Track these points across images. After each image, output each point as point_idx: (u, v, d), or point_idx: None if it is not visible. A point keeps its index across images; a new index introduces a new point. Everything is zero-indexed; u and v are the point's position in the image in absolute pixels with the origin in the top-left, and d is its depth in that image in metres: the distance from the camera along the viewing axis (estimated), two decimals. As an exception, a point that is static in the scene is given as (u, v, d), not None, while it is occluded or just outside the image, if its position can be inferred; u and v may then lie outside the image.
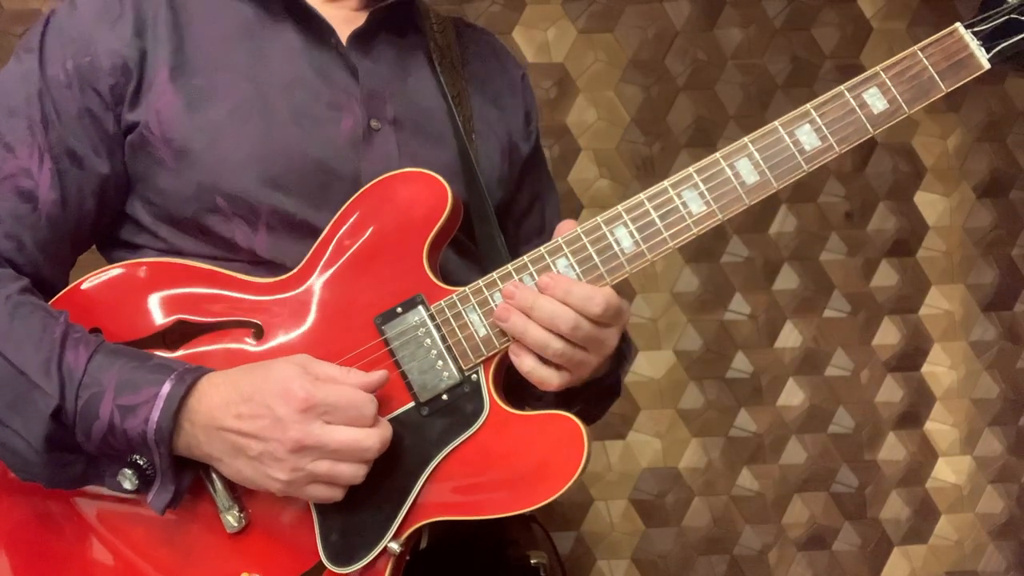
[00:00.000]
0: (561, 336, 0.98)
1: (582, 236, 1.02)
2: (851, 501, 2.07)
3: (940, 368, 2.09)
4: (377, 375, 0.98)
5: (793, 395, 2.06)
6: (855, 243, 2.07)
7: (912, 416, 2.08)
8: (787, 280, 2.06)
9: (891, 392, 2.08)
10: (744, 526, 2.05)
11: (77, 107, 1.07)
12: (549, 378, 1.00)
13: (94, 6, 1.10)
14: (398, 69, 1.18)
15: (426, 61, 1.21)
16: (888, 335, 2.08)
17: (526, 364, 1.00)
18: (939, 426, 2.08)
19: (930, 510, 2.08)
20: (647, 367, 2.02)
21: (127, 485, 0.97)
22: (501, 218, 1.26)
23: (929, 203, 2.09)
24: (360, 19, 1.16)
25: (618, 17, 2.05)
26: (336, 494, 0.97)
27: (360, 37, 1.15)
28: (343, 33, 1.15)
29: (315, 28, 1.14)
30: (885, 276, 2.08)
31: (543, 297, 0.99)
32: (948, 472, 2.08)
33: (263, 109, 1.09)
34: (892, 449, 2.07)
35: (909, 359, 2.08)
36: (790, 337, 2.06)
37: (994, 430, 2.09)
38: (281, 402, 0.94)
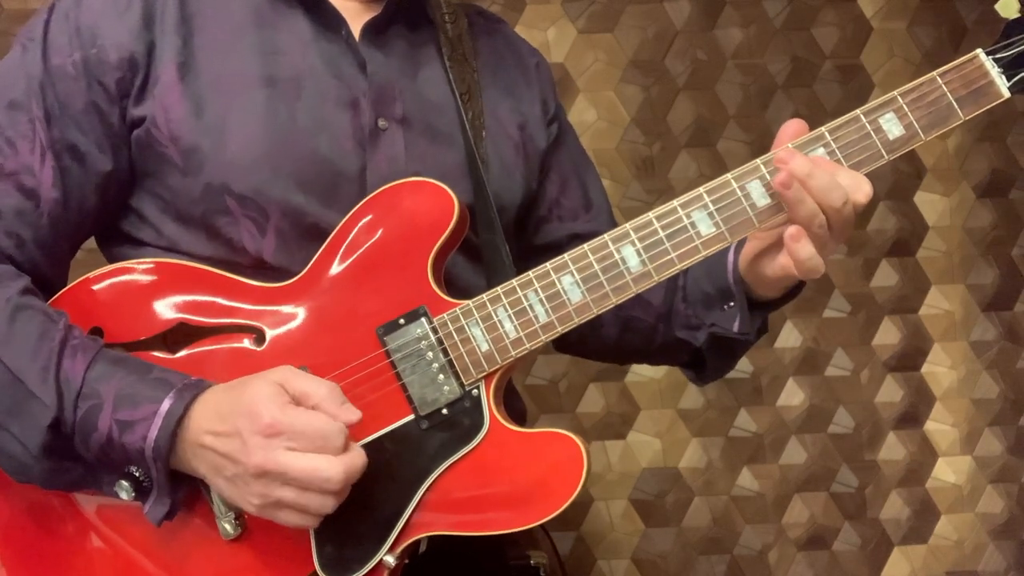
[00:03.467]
0: (826, 213, 0.96)
1: (588, 254, 1.01)
2: (851, 501, 2.06)
3: (940, 368, 2.09)
4: (353, 413, 0.94)
5: (793, 395, 2.06)
6: (855, 243, 2.07)
7: (912, 416, 2.08)
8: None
9: (891, 392, 2.08)
10: (744, 526, 2.05)
11: (83, 101, 1.05)
12: (820, 264, 0.98)
13: None
14: (409, 63, 1.16)
15: (437, 54, 1.19)
16: (888, 335, 2.08)
17: (805, 251, 0.97)
18: (939, 426, 2.08)
19: (930, 510, 2.08)
20: (647, 367, 2.02)
21: (124, 495, 0.96)
22: (532, 208, 1.25)
23: (929, 203, 2.09)
24: (370, 11, 1.14)
25: (618, 17, 2.04)
26: (309, 522, 0.95)
27: (374, 28, 1.13)
28: (354, 25, 1.13)
29: (326, 18, 1.12)
30: (885, 276, 2.08)
31: (819, 168, 0.96)
32: (948, 472, 2.08)
33: (271, 106, 1.07)
34: (892, 449, 2.07)
35: (909, 359, 2.08)
36: (790, 337, 2.06)
37: (994, 430, 2.09)
38: (248, 424, 0.92)
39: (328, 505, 0.93)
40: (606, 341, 1.32)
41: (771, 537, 2.05)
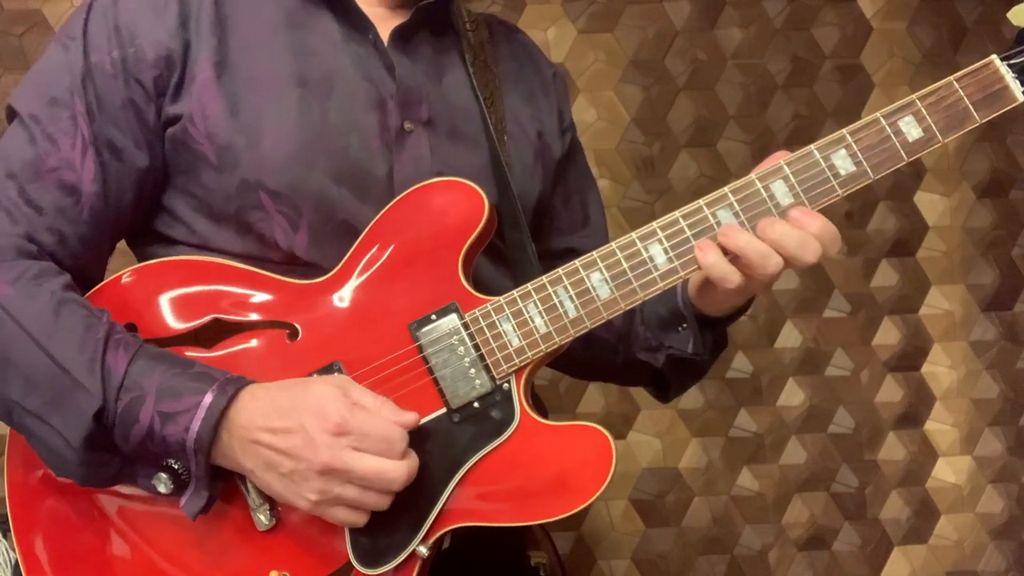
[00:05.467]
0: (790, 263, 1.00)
1: (616, 251, 1.02)
2: (851, 501, 2.07)
3: (940, 368, 2.09)
4: (410, 416, 0.99)
5: (793, 395, 2.06)
6: (855, 243, 2.07)
7: (912, 416, 2.08)
8: (787, 280, 2.06)
9: (891, 392, 2.08)
10: (744, 526, 2.05)
11: (121, 98, 1.07)
12: (732, 275, 1.00)
13: None
14: (434, 68, 1.19)
15: (460, 61, 1.21)
16: (888, 335, 2.08)
17: (709, 258, 1.00)
18: (939, 426, 2.08)
19: (930, 510, 2.08)
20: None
21: (161, 488, 0.98)
22: (538, 214, 1.28)
23: (929, 203, 2.09)
24: (397, 17, 1.17)
25: (618, 17, 2.04)
26: (359, 519, 0.98)
27: (402, 33, 1.15)
28: (381, 30, 1.15)
29: (354, 22, 1.14)
30: (885, 276, 2.08)
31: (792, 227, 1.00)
32: (948, 472, 2.08)
33: (304, 105, 1.09)
34: (892, 449, 2.08)
35: (909, 359, 2.08)
36: (790, 337, 2.06)
37: (994, 430, 2.09)
38: (315, 423, 0.95)
39: (384, 504, 0.97)
40: (576, 359, 1.33)
41: (771, 537, 2.05)
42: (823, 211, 1.02)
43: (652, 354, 1.23)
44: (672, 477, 2.05)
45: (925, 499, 2.08)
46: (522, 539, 1.24)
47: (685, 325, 1.16)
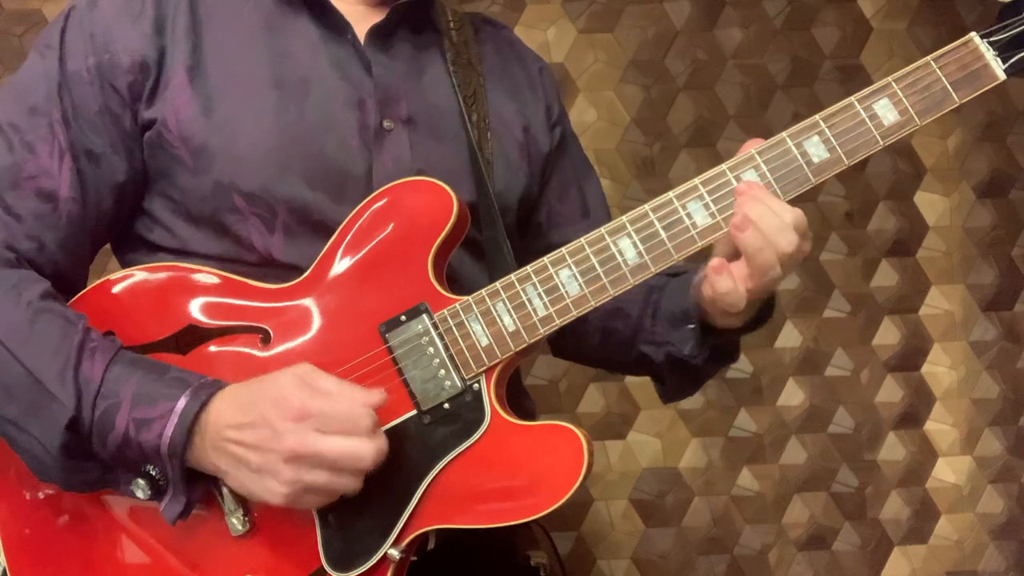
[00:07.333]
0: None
1: (586, 247, 1.02)
2: (851, 501, 2.06)
3: (940, 368, 2.09)
4: (375, 394, 0.98)
5: (793, 395, 2.06)
6: (855, 243, 2.07)
7: (912, 416, 2.08)
8: (787, 280, 2.04)
9: (891, 392, 2.08)
10: (744, 526, 2.05)
11: (97, 105, 1.08)
12: (740, 300, 1.00)
13: (115, 2, 1.10)
14: (413, 66, 1.19)
15: (441, 59, 1.21)
16: (888, 335, 2.08)
17: (724, 284, 0.99)
18: (939, 426, 2.08)
19: (930, 510, 2.08)
20: (647, 368, 2.02)
21: (140, 494, 0.98)
22: (530, 211, 1.27)
23: (929, 203, 2.09)
24: (376, 15, 1.17)
25: (618, 17, 2.04)
26: (333, 499, 0.98)
27: (378, 33, 1.15)
28: (359, 29, 1.15)
29: (332, 22, 1.15)
30: (885, 276, 2.08)
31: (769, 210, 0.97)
32: (948, 472, 2.08)
33: (280, 106, 1.09)
34: (892, 449, 2.07)
35: (909, 359, 2.08)
36: (790, 337, 2.06)
37: (994, 430, 2.09)
38: (276, 411, 0.94)
39: (356, 485, 0.97)
40: (591, 350, 1.35)
41: (771, 537, 2.05)
42: (799, 199, 1.00)
43: (654, 348, 1.21)
44: (672, 477, 2.04)
45: (925, 499, 2.08)
46: (518, 539, 1.23)
47: (692, 325, 1.15)
